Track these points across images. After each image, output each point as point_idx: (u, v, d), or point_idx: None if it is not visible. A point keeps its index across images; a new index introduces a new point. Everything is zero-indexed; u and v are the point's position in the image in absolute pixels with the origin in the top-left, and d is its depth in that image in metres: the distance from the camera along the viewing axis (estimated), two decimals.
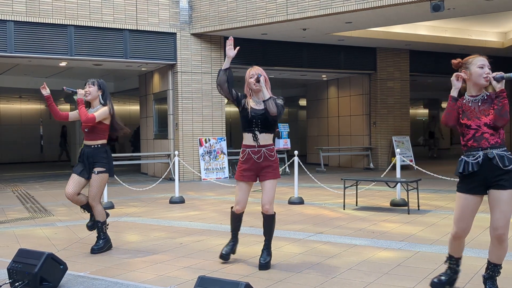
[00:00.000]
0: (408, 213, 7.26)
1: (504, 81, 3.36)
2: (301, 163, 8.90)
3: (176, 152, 9.47)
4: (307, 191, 9.98)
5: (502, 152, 3.35)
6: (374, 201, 8.65)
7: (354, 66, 15.08)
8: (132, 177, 13.85)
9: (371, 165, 15.36)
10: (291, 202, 8.44)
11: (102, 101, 5.27)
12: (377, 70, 15.27)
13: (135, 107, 22.73)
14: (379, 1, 9.80)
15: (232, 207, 4.67)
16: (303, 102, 21.75)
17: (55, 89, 17.46)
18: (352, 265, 4.49)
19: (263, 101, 4.38)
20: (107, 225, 5.30)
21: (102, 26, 11.65)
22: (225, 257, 4.60)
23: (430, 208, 7.61)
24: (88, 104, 5.27)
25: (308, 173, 9.57)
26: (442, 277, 3.68)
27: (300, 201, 8.45)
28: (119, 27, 11.83)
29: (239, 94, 4.58)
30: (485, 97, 3.46)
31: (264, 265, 4.38)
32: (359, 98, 16.04)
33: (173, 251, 5.17)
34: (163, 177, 10.69)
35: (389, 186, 8.51)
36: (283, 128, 14.50)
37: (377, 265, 4.48)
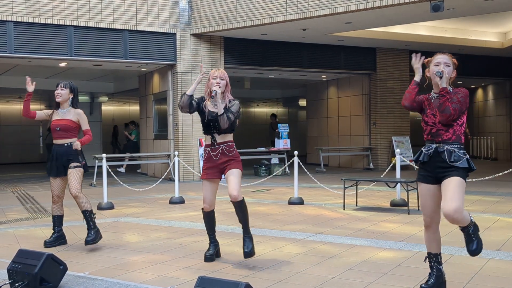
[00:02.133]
0: (408, 213, 7.26)
1: (443, 78, 3.47)
2: (301, 164, 8.90)
3: (176, 153, 9.47)
4: (307, 192, 9.98)
5: (452, 148, 3.47)
6: (374, 201, 8.65)
7: (354, 66, 15.08)
8: (131, 177, 13.84)
9: (371, 165, 15.36)
10: (291, 203, 8.44)
11: (71, 104, 5.48)
12: (377, 70, 15.27)
13: (135, 108, 22.75)
14: (379, 2, 9.79)
15: (202, 208, 4.74)
16: (303, 103, 21.75)
17: (55, 90, 17.54)
18: (352, 265, 4.49)
19: (218, 115, 4.47)
20: (94, 214, 5.41)
21: (101, 26, 11.64)
22: (209, 258, 4.65)
23: None
24: (58, 105, 5.48)
25: (308, 173, 9.56)
26: (430, 281, 3.65)
27: (300, 202, 8.45)
28: (118, 28, 11.83)
29: (198, 103, 4.64)
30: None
31: (248, 253, 4.47)
32: (359, 98, 16.04)
33: (173, 251, 5.18)
34: (163, 177, 10.69)
35: (389, 186, 8.51)
36: (283, 129, 14.50)
37: (377, 265, 4.48)
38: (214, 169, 4.57)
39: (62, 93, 5.39)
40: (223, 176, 4.64)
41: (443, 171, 3.46)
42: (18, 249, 4.10)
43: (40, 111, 5.61)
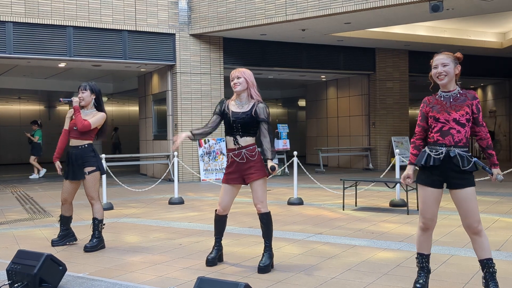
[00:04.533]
0: (408, 214, 7.26)
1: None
2: (300, 164, 8.90)
3: (176, 153, 9.47)
4: (306, 192, 9.98)
5: (463, 153, 3.45)
6: (373, 201, 8.65)
7: (353, 66, 15.09)
8: (131, 178, 13.84)
9: (370, 166, 15.36)
10: (290, 203, 8.44)
11: (96, 104, 5.40)
12: (376, 70, 15.27)
13: (134, 108, 22.75)
14: (378, 2, 9.80)
15: (216, 210, 4.61)
16: (302, 103, 21.76)
17: (55, 90, 17.55)
18: (352, 266, 4.49)
19: (269, 159, 4.40)
20: (104, 224, 5.40)
21: (101, 27, 11.64)
22: (211, 262, 4.55)
23: None
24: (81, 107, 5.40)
25: (308, 173, 9.56)
26: (421, 280, 3.63)
27: (300, 202, 8.45)
28: (118, 28, 11.83)
29: (221, 107, 4.50)
30: (458, 95, 3.52)
31: (263, 268, 4.31)
32: (358, 98, 16.05)
33: (173, 252, 5.17)
34: (162, 178, 10.69)
35: (388, 187, 8.51)
36: (282, 129, 14.50)
37: (376, 266, 4.48)
38: (235, 175, 4.43)
39: (84, 96, 5.30)
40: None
41: (455, 177, 3.43)
42: (18, 249, 4.09)
43: (67, 124, 5.41)
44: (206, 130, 4.52)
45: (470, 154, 3.49)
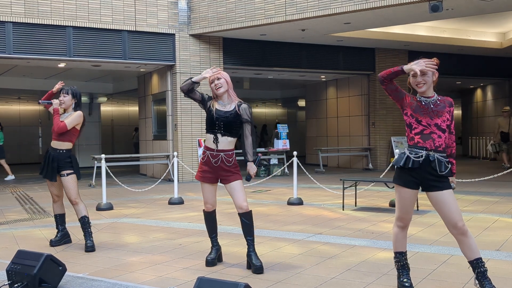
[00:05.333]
0: None
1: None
2: (300, 164, 8.90)
3: (175, 153, 9.47)
4: (306, 192, 9.98)
5: (442, 158, 3.49)
6: (373, 201, 8.65)
7: (353, 66, 15.08)
8: (131, 178, 13.84)
9: (370, 166, 15.36)
10: (290, 203, 8.44)
11: (74, 109, 5.45)
12: (375, 70, 15.26)
13: (134, 108, 22.74)
14: (377, 2, 9.80)
15: (203, 209, 4.66)
16: (302, 103, 21.76)
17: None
18: (351, 266, 4.49)
19: (249, 162, 4.43)
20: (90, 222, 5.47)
21: (100, 27, 11.64)
22: (211, 262, 4.55)
23: (429, 208, 7.61)
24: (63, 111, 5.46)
25: (307, 173, 9.56)
26: (406, 279, 3.67)
27: (299, 202, 8.45)
28: (117, 28, 11.82)
29: (205, 96, 4.55)
30: (438, 101, 3.55)
31: (260, 267, 4.31)
32: (358, 98, 16.05)
33: (172, 252, 5.17)
34: (162, 178, 10.68)
35: (388, 187, 8.50)
36: (282, 129, 14.50)
37: (376, 266, 4.48)
38: (211, 174, 4.46)
39: (65, 100, 5.36)
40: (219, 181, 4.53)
41: (433, 180, 3.47)
42: (17, 250, 4.09)
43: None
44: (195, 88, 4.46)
45: (448, 159, 3.55)
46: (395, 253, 3.73)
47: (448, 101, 3.58)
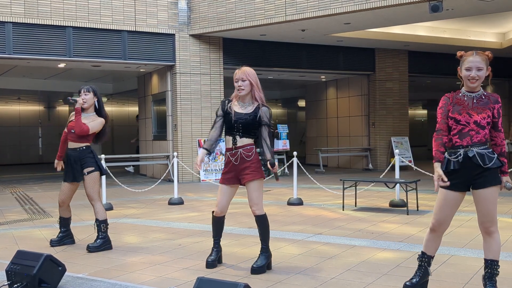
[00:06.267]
0: (407, 214, 7.25)
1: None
2: (300, 164, 8.90)
3: (175, 153, 9.46)
4: (306, 192, 9.98)
5: (482, 150, 3.38)
6: (373, 201, 8.65)
7: (353, 67, 15.08)
8: (131, 178, 13.83)
9: (370, 166, 15.36)
10: (290, 203, 8.43)
11: (97, 107, 5.42)
12: (375, 71, 15.27)
13: (133, 108, 22.72)
14: (377, 2, 9.80)
15: (213, 211, 4.58)
16: (302, 103, 21.76)
17: (54, 91, 17.54)
18: (351, 266, 4.49)
19: (268, 162, 4.36)
20: (107, 225, 5.37)
21: (100, 27, 11.64)
22: (211, 264, 4.51)
23: (429, 208, 7.61)
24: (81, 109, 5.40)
25: (307, 174, 9.56)
26: (414, 280, 3.63)
27: (299, 202, 8.44)
28: (117, 28, 11.82)
29: (223, 108, 4.47)
30: (482, 96, 3.45)
31: (255, 269, 4.28)
32: (358, 99, 16.05)
33: (172, 252, 5.17)
34: (162, 178, 10.68)
35: (388, 187, 8.51)
36: (282, 129, 14.50)
37: (376, 266, 4.48)
38: (230, 174, 4.40)
39: (87, 98, 5.32)
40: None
41: (478, 177, 3.38)
42: (17, 250, 4.09)
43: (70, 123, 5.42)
44: (215, 136, 4.45)
45: (491, 150, 3.42)
46: (421, 251, 3.68)
47: (494, 97, 3.44)
